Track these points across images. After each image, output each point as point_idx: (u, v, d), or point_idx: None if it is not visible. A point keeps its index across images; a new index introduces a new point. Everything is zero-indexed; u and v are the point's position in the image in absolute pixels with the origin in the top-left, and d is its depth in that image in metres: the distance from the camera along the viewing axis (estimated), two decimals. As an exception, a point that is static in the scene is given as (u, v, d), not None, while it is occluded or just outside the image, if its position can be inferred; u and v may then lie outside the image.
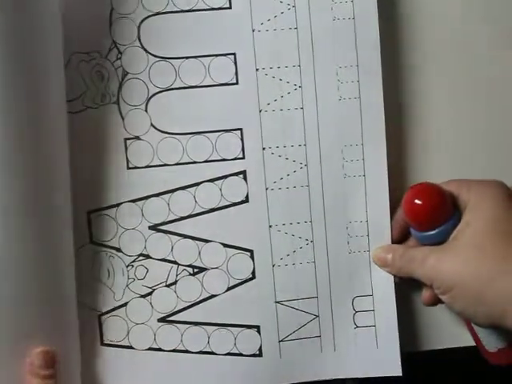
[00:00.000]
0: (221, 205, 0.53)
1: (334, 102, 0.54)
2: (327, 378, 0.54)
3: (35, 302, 0.48)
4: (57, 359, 0.49)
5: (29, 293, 0.47)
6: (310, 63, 0.53)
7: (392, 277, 0.54)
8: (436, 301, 0.52)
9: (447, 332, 0.57)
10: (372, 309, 0.55)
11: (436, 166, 0.57)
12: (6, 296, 0.46)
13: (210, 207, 0.53)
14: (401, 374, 0.54)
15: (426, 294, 0.53)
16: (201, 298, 0.53)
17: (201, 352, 0.54)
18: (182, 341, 0.53)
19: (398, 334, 0.54)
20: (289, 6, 0.53)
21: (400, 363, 0.54)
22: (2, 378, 0.47)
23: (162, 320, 0.53)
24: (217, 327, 0.54)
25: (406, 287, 0.56)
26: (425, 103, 0.57)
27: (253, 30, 0.53)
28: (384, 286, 0.54)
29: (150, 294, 0.53)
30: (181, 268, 0.53)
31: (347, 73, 0.54)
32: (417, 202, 0.50)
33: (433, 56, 0.57)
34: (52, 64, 0.49)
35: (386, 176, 0.54)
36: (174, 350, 0.53)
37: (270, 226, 0.53)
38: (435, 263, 0.49)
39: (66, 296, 0.50)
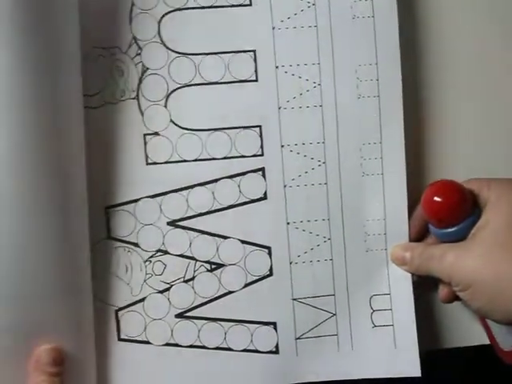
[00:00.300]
0: (239, 201, 0.53)
1: (353, 100, 0.54)
2: (344, 378, 0.54)
3: (51, 296, 0.48)
4: (65, 357, 0.48)
5: (45, 287, 0.47)
6: (329, 61, 0.53)
7: (410, 275, 0.54)
8: (453, 298, 0.52)
9: (464, 330, 0.57)
10: (390, 308, 0.55)
11: (454, 163, 0.57)
12: (22, 290, 0.47)
13: (229, 204, 0.53)
14: (420, 375, 0.54)
15: (443, 291, 0.53)
16: (218, 294, 0.53)
17: (217, 348, 0.53)
18: (198, 337, 0.53)
19: (416, 334, 0.54)
20: (309, 4, 0.53)
21: (419, 364, 0.54)
22: (13, 370, 0.47)
23: (180, 316, 0.53)
24: (234, 323, 0.54)
25: (424, 285, 0.55)
26: (443, 100, 0.57)
27: (273, 28, 0.53)
28: (402, 285, 0.54)
29: (167, 289, 0.53)
30: (198, 264, 0.53)
31: (366, 71, 0.54)
32: (436, 198, 0.50)
33: (451, 54, 0.57)
34: (68, 59, 0.49)
35: (405, 174, 0.54)
36: (191, 346, 0.53)
37: (288, 224, 0.53)
38: (454, 260, 0.49)
39: (81, 290, 0.50)
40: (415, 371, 0.54)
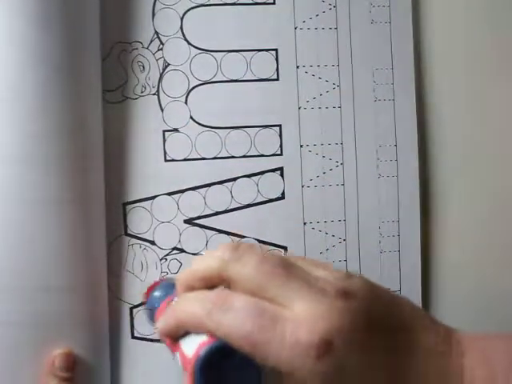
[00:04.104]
0: (257, 201, 0.53)
1: (370, 102, 0.54)
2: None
3: (66, 291, 0.47)
4: (79, 355, 0.48)
5: (61, 281, 0.47)
6: (348, 63, 0.54)
7: (420, 274, 0.55)
8: None
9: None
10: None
11: (459, 168, 0.58)
12: (37, 284, 0.46)
13: (246, 203, 0.53)
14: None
15: None
16: (233, 294, 0.53)
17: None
18: (213, 336, 0.53)
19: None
20: (330, 6, 0.53)
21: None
22: (24, 363, 0.47)
23: (194, 315, 0.53)
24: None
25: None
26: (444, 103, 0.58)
27: (295, 28, 0.53)
28: (411, 282, 0.55)
29: (182, 288, 0.52)
30: (215, 263, 0.53)
31: (382, 75, 0.55)
32: None
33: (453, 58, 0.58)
34: (88, 54, 0.48)
35: (417, 177, 0.55)
36: (205, 345, 0.53)
37: (305, 224, 0.54)
38: None
39: (97, 286, 0.50)
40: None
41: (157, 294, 0.44)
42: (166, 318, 0.36)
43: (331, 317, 0.31)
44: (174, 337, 0.36)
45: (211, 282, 0.35)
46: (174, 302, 0.37)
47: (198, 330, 0.34)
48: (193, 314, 0.34)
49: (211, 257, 0.35)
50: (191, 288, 0.36)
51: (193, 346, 0.34)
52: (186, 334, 0.35)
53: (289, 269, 0.34)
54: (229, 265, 0.34)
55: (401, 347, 0.33)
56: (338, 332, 0.31)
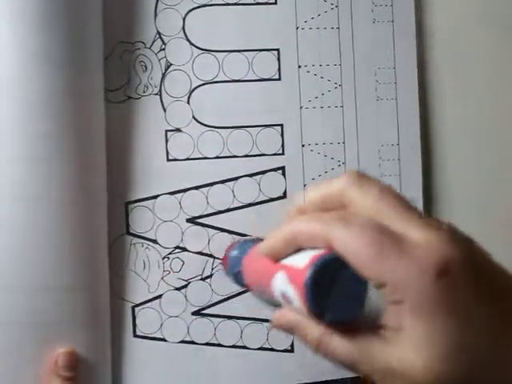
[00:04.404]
0: (259, 200, 0.53)
1: (372, 101, 0.54)
2: (355, 375, 0.55)
3: (68, 289, 0.48)
4: (81, 353, 0.48)
5: (63, 280, 0.47)
6: (350, 63, 0.54)
7: None
8: None
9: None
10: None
11: (462, 164, 0.58)
12: (39, 282, 0.46)
13: (248, 202, 0.53)
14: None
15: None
16: (235, 292, 0.53)
17: (233, 346, 0.53)
18: (215, 334, 0.53)
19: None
20: (332, 6, 0.53)
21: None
22: (26, 362, 0.47)
23: (196, 313, 0.53)
24: (250, 321, 0.53)
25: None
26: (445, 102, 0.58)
27: (297, 28, 0.53)
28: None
29: (184, 286, 0.53)
30: (216, 262, 0.53)
31: (385, 74, 0.55)
32: None
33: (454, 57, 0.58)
34: (91, 53, 0.48)
35: (421, 175, 0.55)
36: (207, 344, 0.53)
37: (307, 223, 0.54)
38: None
39: (99, 285, 0.50)
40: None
41: (235, 252, 0.46)
42: (275, 236, 0.37)
43: (449, 247, 0.32)
44: (278, 256, 0.37)
45: (326, 207, 0.36)
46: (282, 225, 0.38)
47: (314, 244, 0.34)
48: (310, 228, 0.35)
49: (333, 181, 0.36)
50: (303, 212, 0.37)
51: (304, 259, 0.34)
52: (291, 253, 0.36)
53: (407, 203, 0.34)
54: (351, 189, 0.35)
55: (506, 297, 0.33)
56: (455, 260, 0.31)
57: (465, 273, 0.32)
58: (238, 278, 0.45)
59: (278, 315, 0.38)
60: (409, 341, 0.32)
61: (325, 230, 0.34)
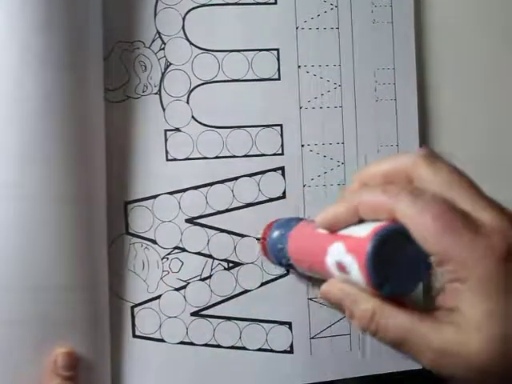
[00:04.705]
0: (258, 200, 0.53)
1: (371, 102, 0.54)
2: (355, 375, 0.55)
3: (67, 289, 0.47)
4: (80, 354, 0.48)
5: (62, 279, 0.47)
6: (349, 63, 0.54)
7: None
8: None
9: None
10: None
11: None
12: (39, 282, 0.46)
13: (247, 202, 0.53)
14: (421, 367, 0.54)
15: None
16: (234, 293, 0.53)
17: (232, 347, 0.53)
18: (214, 335, 0.53)
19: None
20: (332, 6, 0.53)
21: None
22: (25, 363, 0.47)
23: (195, 314, 0.53)
24: (249, 322, 0.53)
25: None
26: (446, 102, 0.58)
27: (296, 28, 0.53)
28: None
29: (184, 287, 0.53)
30: (216, 262, 0.53)
31: (384, 75, 0.55)
32: None
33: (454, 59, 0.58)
34: (90, 53, 0.48)
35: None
36: (206, 345, 0.53)
37: (306, 223, 0.54)
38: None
39: (98, 285, 0.50)
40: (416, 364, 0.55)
41: (277, 233, 0.48)
42: (336, 207, 0.37)
43: None
44: (337, 226, 0.37)
45: (389, 182, 0.36)
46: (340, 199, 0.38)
47: (377, 215, 0.34)
48: (375, 198, 0.34)
49: (400, 156, 0.36)
50: (364, 185, 0.37)
51: (366, 230, 0.34)
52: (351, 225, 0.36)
53: (476, 185, 0.34)
54: (421, 166, 0.35)
55: None
56: None
57: None
58: (280, 254, 0.46)
59: (328, 285, 0.38)
60: (466, 321, 0.32)
61: (391, 202, 0.33)
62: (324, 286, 0.38)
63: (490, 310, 0.31)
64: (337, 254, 0.36)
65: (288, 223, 0.47)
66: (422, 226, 0.32)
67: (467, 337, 0.32)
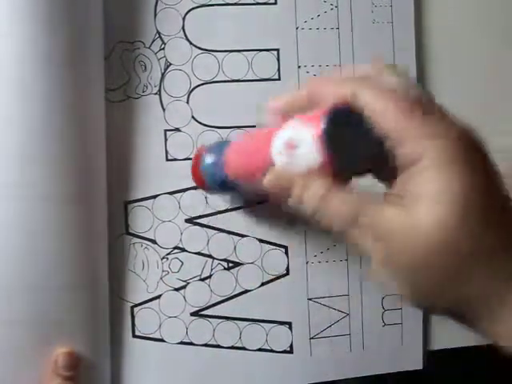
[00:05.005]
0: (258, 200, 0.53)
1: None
2: (354, 375, 0.55)
3: (67, 289, 0.47)
4: (80, 354, 0.48)
5: (62, 279, 0.47)
6: (349, 63, 0.54)
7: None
8: None
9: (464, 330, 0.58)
10: (400, 307, 0.55)
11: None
12: (38, 282, 0.46)
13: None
14: (421, 368, 0.55)
15: None
16: (234, 293, 0.53)
17: (232, 347, 0.53)
18: (213, 335, 0.53)
19: (421, 331, 0.56)
20: (332, 6, 0.53)
21: (421, 358, 0.55)
22: (26, 363, 0.47)
23: (195, 314, 0.53)
24: (249, 323, 0.53)
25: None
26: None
27: (296, 28, 0.53)
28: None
29: (183, 287, 0.53)
30: (216, 262, 0.53)
31: (384, 75, 0.54)
32: None
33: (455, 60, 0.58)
34: (91, 53, 0.48)
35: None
36: (206, 345, 0.53)
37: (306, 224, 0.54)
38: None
39: (98, 284, 0.50)
40: (418, 364, 0.56)
41: (211, 158, 0.46)
42: (292, 94, 0.38)
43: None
44: (292, 111, 0.37)
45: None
46: None
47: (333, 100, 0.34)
48: (336, 84, 0.35)
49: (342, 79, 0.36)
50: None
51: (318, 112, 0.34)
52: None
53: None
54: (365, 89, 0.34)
55: None
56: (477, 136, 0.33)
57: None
58: (217, 173, 0.45)
59: (275, 172, 0.37)
60: (422, 198, 0.31)
61: (352, 87, 0.34)
62: (268, 176, 0.37)
63: (446, 186, 0.31)
64: (287, 134, 0.35)
65: (221, 144, 0.46)
66: (381, 107, 0.32)
67: (423, 213, 0.31)
